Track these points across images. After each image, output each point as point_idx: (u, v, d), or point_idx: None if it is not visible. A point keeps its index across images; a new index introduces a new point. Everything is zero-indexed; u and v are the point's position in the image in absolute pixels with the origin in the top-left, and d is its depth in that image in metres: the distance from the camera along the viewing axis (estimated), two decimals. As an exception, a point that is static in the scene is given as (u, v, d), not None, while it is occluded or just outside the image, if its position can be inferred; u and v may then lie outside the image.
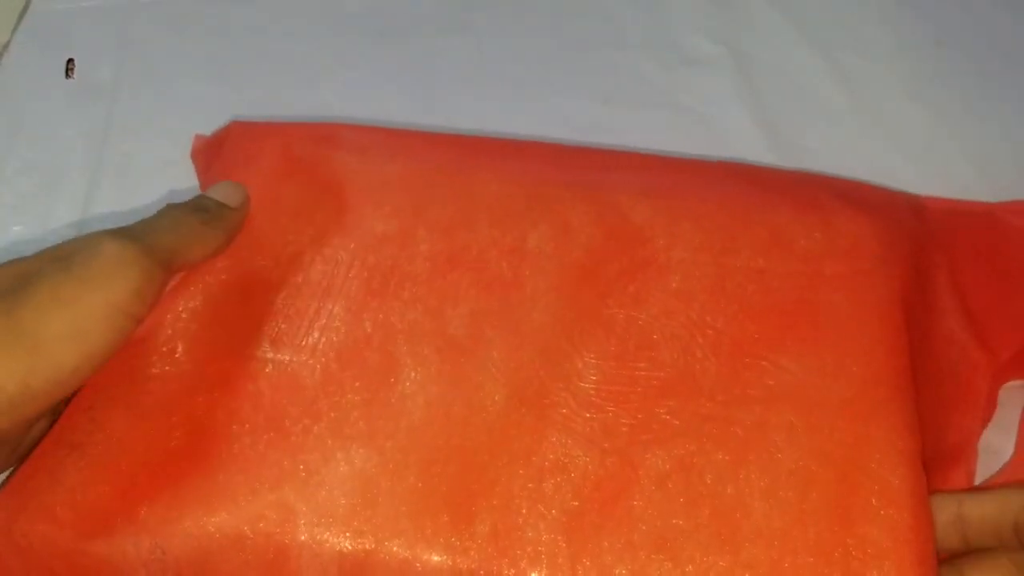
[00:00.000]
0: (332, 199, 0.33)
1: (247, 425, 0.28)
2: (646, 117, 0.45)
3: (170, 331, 0.29)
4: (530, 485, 0.26)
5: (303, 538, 0.26)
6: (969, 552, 0.27)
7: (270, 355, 0.29)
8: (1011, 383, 0.34)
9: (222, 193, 0.32)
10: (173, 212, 0.31)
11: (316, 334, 0.30)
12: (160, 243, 0.29)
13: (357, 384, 0.29)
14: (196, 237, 0.30)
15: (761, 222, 0.32)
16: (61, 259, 0.27)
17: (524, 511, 0.26)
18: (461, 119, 0.44)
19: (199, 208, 0.31)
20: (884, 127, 0.44)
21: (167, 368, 0.29)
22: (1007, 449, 0.32)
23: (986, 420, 0.33)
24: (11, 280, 0.27)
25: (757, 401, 0.28)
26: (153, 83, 0.47)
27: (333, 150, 0.35)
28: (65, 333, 0.26)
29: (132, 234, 0.28)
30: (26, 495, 0.26)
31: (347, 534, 0.26)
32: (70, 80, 0.47)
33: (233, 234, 0.32)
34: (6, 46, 0.48)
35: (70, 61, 0.47)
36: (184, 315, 0.30)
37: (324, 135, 0.35)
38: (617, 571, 0.25)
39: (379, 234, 0.32)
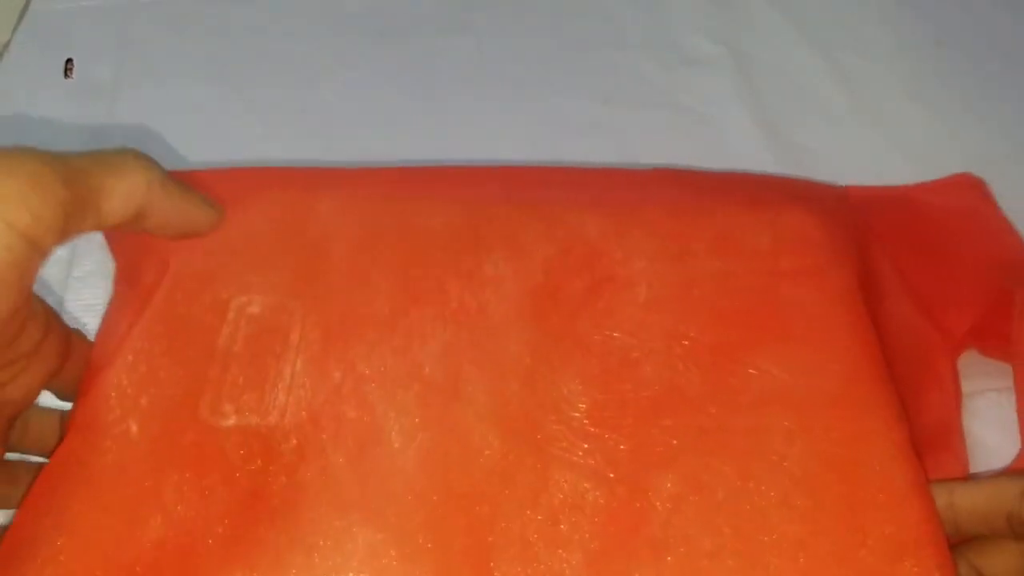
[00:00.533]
0: (278, 247, 0.31)
1: (228, 505, 0.25)
2: (646, 117, 0.45)
3: (118, 410, 0.27)
4: (545, 530, 0.25)
5: None
6: (970, 540, 0.27)
7: (234, 422, 0.27)
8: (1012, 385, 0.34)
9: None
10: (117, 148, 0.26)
11: (281, 394, 0.27)
12: (72, 159, 0.24)
13: (339, 445, 0.26)
14: (127, 170, 0.26)
15: (709, 224, 0.31)
16: None
17: (545, 558, 0.25)
18: (461, 119, 0.44)
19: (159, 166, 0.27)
20: (884, 127, 0.44)
21: (124, 453, 0.26)
22: (1005, 449, 0.32)
23: (957, 396, 0.32)
24: None
25: (749, 408, 0.27)
26: (153, 83, 0.47)
27: (273, 195, 0.32)
28: None
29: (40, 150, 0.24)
30: None
31: None
32: (70, 80, 0.47)
33: (205, 215, 0.29)
34: (6, 46, 0.48)
35: (69, 61, 0.47)
36: (130, 389, 0.27)
37: (260, 181, 0.33)
38: None
39: (332, 278, 0.30)
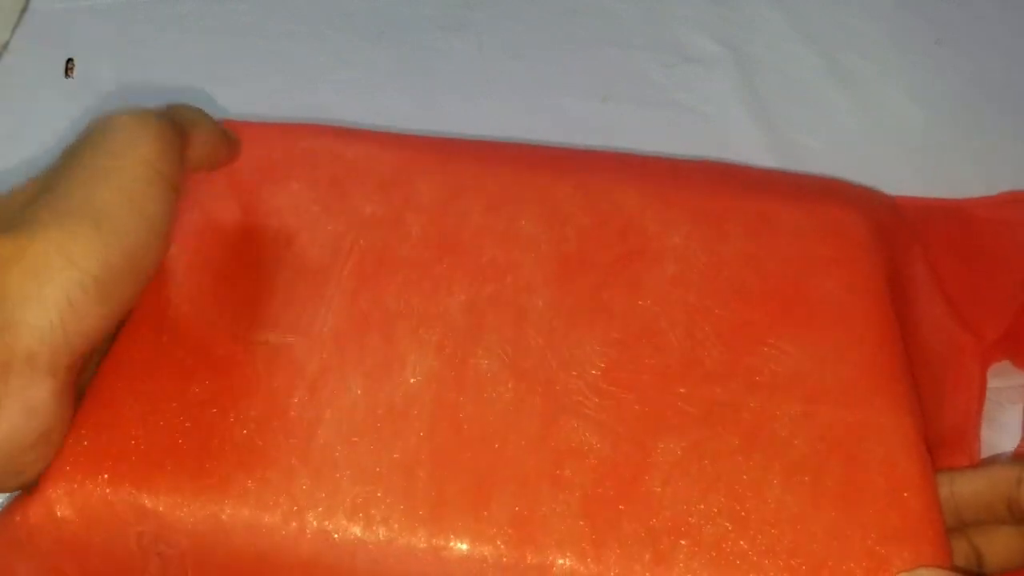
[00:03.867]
0: (328, 190, 0.33)
1: (252, 412, 0.27)
2: (646, 115, 0.45)
3: (163, 316, 0.29)
4: (547, 471, 0.26)
5: (318, 526, 0.25)
6: (971, 524, 0.28)
7: (269, 339, 0.29)
8: (1013, 383, 0.34)
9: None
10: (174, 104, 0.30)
11: (315, 319, 0.29)
12: (166, 113, 0.28)
13: (361, 370, 0.28)
14: (202, 122, 0.29)
15: (749, 210, 0.33)
16: (76, 149, 0.26)
17: (544, 497, 0.26)
18: (461, 118, 0.44)
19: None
20: (884, 127, 0.44)
21: (161, 355, 0.28)
22: (1007, 447, 0.33)
23: (981, 401, 0.33)
24: (37, 186, 0.26)
25: (764, 386, 0.28)
26: (153, 83, 0.47)
27: (324, 144, 0.35)
28: (119, 200, 0.24)
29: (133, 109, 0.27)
30: (27, 490, 0.26)
31: (364, 523, 0.25)
32: (70, 80, 0.47)
33: (233, 153, 0.32)
34: (6, 45, 0.48)
35: (69, 61, 0.47)
36: (177, 302, 0.29)
37: (314, 132, 0.36)
38: (642, 556, 0.25)
39: (375, 222, 0.32)
